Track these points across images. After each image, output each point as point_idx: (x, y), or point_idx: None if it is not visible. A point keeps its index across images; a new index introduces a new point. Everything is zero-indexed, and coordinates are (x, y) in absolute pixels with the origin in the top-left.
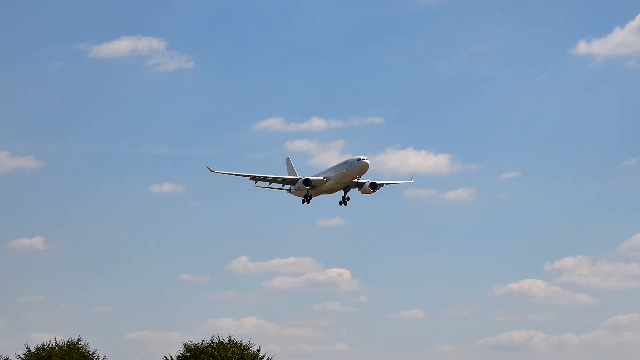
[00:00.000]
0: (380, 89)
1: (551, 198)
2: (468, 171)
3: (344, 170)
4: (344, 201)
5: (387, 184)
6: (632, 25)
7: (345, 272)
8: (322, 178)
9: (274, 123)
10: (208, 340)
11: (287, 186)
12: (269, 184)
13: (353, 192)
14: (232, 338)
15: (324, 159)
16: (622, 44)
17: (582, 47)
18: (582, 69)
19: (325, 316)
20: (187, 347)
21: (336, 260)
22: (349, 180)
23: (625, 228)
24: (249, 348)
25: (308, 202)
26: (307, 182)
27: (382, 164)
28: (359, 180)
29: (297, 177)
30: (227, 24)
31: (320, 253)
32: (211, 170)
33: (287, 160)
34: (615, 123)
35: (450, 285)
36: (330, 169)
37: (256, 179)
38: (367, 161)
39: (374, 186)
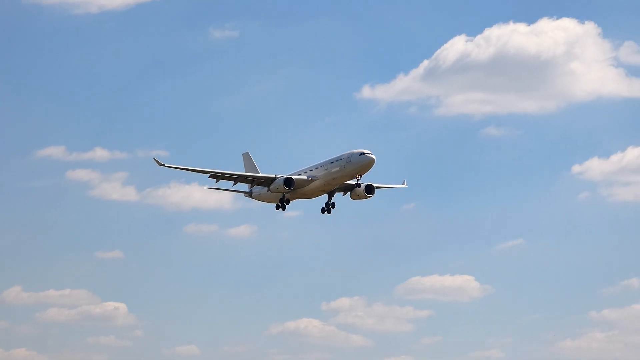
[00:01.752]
0: (166, 122)
1: (328, 238)
2: (250, 209)
3: (339, 168)
4: (328, 208)
5: (381, 187)
6: (415, 72)
7: (122, 306)
8: (305, 177)
9: (55, 151)
10: None
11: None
12: (234, 184)
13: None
14: None
15: (105, 190)
16: (405, 90)
17: (367, 92)
18: (366, 112)
19: (99, 350)
20: None
21: (113, 294)
22: (343, 180)
23: (401, 271)
24: None
25: (284, 208)
26: (288, 182)
27: (166, 197)
28: (356, 182)
29: (272, 176)
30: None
31: (98, 285)
32: (160, 164)
33: (246, 155)
34: (394, 166)
35: (227, 322)
36: (317, 167)
37: (218, 176)
38: (373, 156)
39: (370, 190)
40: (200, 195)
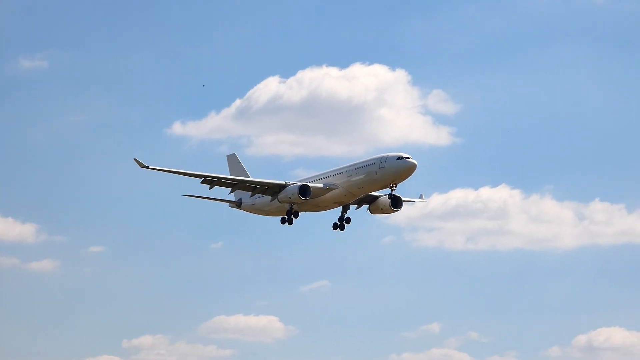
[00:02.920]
0: None
1: (136, 275)
2: (54, 242)
3: (367, 175)
4: (342, 224)
5: (406, 201)
6: (227, 111)
7: None
8: (322, 186)
9: None
10: None
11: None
12: (230, 192)
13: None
14: None
15: None
16: (217, 128)
17: (178, 128)
18: (178, 149)
19: None
20: None
21: None
22: (371, 190)
23: (206, 310)
24: None
25: (291, 222)
26: (304, 190)
27: None
28: (390, 192)
29: (282, 183)
30: None
31: None
32: (143, 166)
33: (231, 157)
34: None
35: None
36: (336, 172)
37: (212, 181)
38: (414, 161)
39: (397, 203)
40: (1, 227)
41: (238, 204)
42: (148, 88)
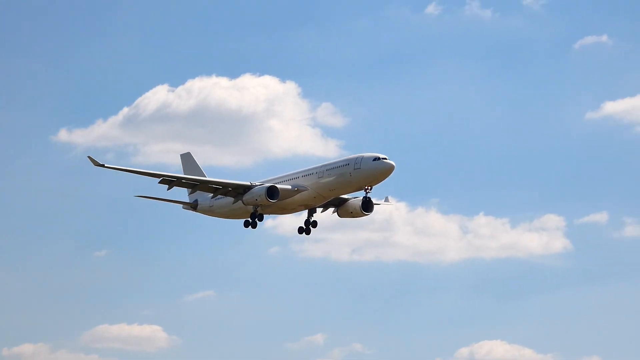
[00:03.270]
0: None
1: (16, 281)
2: None
3: (340, 177)
4: (308, 227)
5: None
6: (115, 119)
7: None
8: (289, 187)
9: None
10: None
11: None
12: (190, 192)
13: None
14: None
15: None
16: (103, 136)
17: (64, 135)
18: (62, 156)
19: None
20: None
21: None
22: (344, 192)
23: (89, 318)
24: None
25: (255, 225)
26: (272, 192)
27: None
28: (365, 195)
29: (248, 184)
30: None
31: None
32: (97, 164)
33: (186, 156)
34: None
35: None
36: (305, 173)
37: (170, 181)
38: (392, 162)
39: (368, 206)
40: None
41: (193, 206)
42: (34, 94)
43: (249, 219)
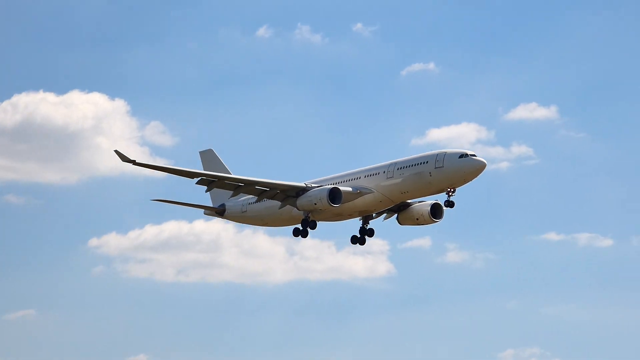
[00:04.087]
0: None
1: None
2: None
3: (421, 177)
4: (363, 237)
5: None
6: None
7: None
8: (350, 189)
9: None
10: None
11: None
12: (232, 196)
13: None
14: None
15: None
16: None
17: None
18: None
19: None
20: None
21: None
22: (419, 195)
23: None
24: None
25: (305, 234)
26: (334, 195)
27: None
28: (447, 198)
29: (302, 185)
30: None
31: None
32: (127, 160)
33: (207, 153)
34: None
35: None
36: (367, 173)
37: (211, 182)
38: (484, 160)
39: (437, 212)
40: None
41: (219, 211)
42: None
43: (300, 227)
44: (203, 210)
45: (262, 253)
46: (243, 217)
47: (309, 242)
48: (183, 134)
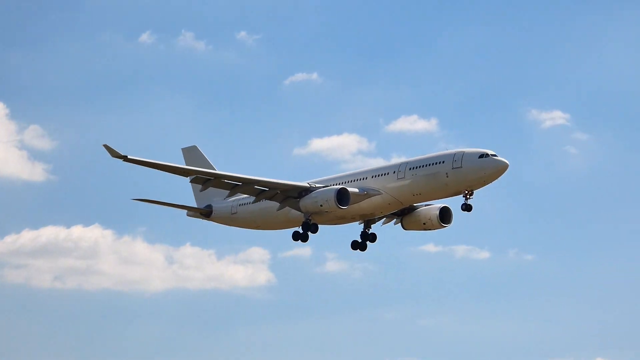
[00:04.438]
0: None
1: None
2: None
3: (436, 178)
4: (364, 243)
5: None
6: None
7: None
8: (356, 190)
9: None
10: None
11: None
12: (228, 196)
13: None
14: None
15: None
16: None
17: None
18: None
19: None
20: None
21: None
22: (434, 197)
23: None
24: None
25: (305, 239)
26: (342, 196)
27: None
28: (465, 202)
29: (305, 185)
30: None
31: None
32: (118, 156)
33: (191, 150)
34: None
35: None
36: (375, 173)
37: (206, 180)
38: (507, 161)
39: (446, 216)
40: None
41: (205, 213)
42: None
43: (300, 230)
44: (186, 211)
45: (141, 260)
46: (232, 220)
47: (189, 250)
48: (62, 138)
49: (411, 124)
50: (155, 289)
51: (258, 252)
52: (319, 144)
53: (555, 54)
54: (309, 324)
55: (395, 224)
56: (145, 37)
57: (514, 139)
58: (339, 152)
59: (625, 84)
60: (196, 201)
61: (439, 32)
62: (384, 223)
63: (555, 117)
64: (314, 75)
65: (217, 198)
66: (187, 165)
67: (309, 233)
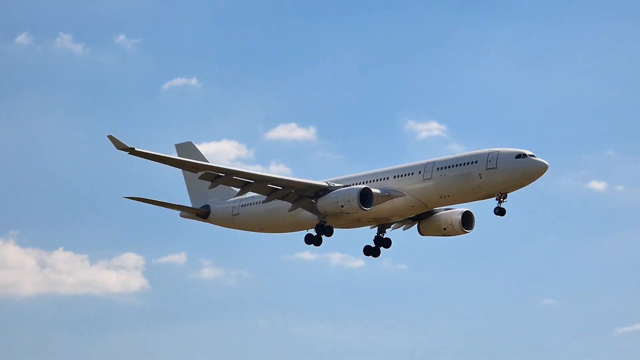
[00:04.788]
0: None
1: None
2: None
3: (468, 179)
4: (377, 248)
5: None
6: None
7: None
8: (378, 191)
9: None
10: None
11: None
12: (239, 193)
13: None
14: None
15: None
16: None
17: None
18: None
19: None
20: None
21: None
22: (463, 200)
23: None
24: None
25: (319, 242)
26: (365, 197)
27: None
28: (498, 205)
29: (324, 184)
30: None
31: None
32: (124, 148)
33: (185, 146)
34: None
35: None
36: (398, 173)
37: (217, 175)
38: (546, 162)
39: (468, 221)
40: None
41: (202, 214)
42: None
43: (314, 233)
44: (182, 210)
45: (11, 264)
46: (233, 222)
47: (61, 255)
48: None
49: (290, 132)
50: (26, 294)
51: (132, 258)
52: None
53: (432, 65)
54: (181, 331)
55: (404, 229)
56: (21, 38)
57: (391, 149)
58: (217, 158)
59: (501, 96)
60: (191, 201)
61: (318, 41)
62: (394, 228)
63: (432, 128)
64: (194, 81)
65: (216, 198)
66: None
67: (323, 236)
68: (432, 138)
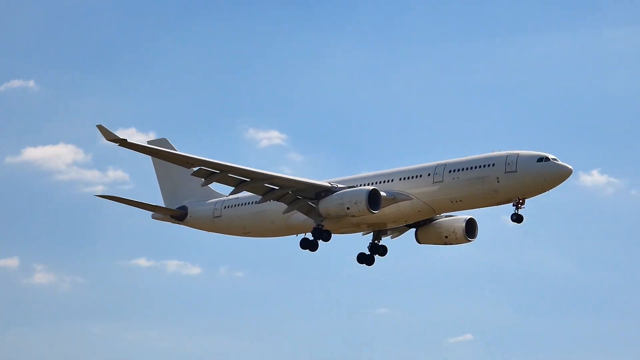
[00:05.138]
0: None
1: None
2: None
3: (485, 183)
4: (372, 255)
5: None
6: None
7: None
8: (384, 194)
9: None
10: None
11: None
12: (232, 192)
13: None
14: None
15: None
16: None
17: None
18: None
19: None
20: None
21: None
22: (477, 205)
23: None
24: None
25: (315, 247)
26: (373, 198)
27: None
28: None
29: (327, 185)
30: None
31: None
32: (115, 139)
33: (160, 142)
34: None
35: None
36: (405, 175)
37: (211, 172)
38: (570, 166)
39: (471, 229)
40: None
41: (178, 215)
42: None
43: (310, 237)
44: (154, 211)
45: None
46: (214, 224)
47: None
48: None
49: (129, 137)
50: None
51: None
52: (32, 153)
53: (273, 74)
54: (7, 337)
55: (392, 238)
56: None
57: (233, 157)
58: (53, 162)
59: (339, 106)
60: (165, 201)
61: (159, 46)
62: (393, 237)
63: (272, 137)
64: (31, 83)
65: (193, 199)
66: (154, 161)
67: (321, 239)
68: (273, 147)
